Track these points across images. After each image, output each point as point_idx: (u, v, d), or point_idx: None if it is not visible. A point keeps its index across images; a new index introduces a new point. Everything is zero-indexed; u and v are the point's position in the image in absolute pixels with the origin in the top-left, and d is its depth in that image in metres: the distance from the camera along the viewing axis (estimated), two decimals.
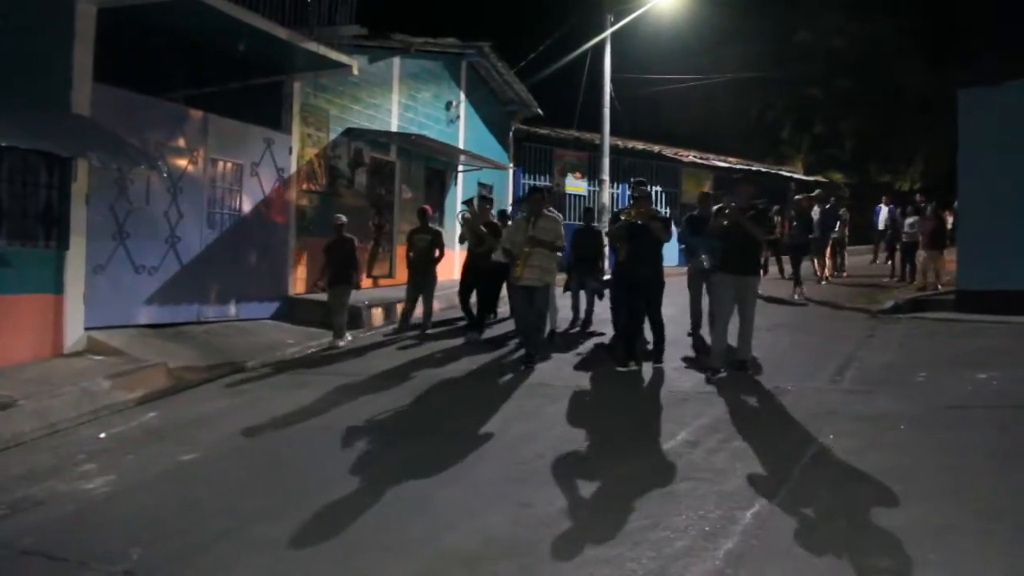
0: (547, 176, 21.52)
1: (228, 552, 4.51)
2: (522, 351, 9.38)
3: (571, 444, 6.26)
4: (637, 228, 8.59)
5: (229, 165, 11.54)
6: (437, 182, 17.27)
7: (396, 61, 15.43)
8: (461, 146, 17.52)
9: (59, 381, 7.78)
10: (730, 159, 27.38)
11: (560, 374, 8.72)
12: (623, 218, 8.94)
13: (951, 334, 10.16)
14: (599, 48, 19.16)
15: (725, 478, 5.30)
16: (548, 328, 10.12)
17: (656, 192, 23.61)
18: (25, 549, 4.59)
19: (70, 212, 8.89)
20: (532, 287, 8.97)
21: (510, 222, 11.34)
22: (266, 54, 11.32)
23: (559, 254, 9.34)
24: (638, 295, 8.77)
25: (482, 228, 11.07)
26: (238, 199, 11.71)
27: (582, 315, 11.53)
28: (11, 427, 6.68)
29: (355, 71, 12.73)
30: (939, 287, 14.14)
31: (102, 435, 6.86)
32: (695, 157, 25.73)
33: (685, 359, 9.13)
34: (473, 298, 11.54)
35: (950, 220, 15.88)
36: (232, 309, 11.47)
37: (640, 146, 23.94)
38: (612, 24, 19.11)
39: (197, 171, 10.94)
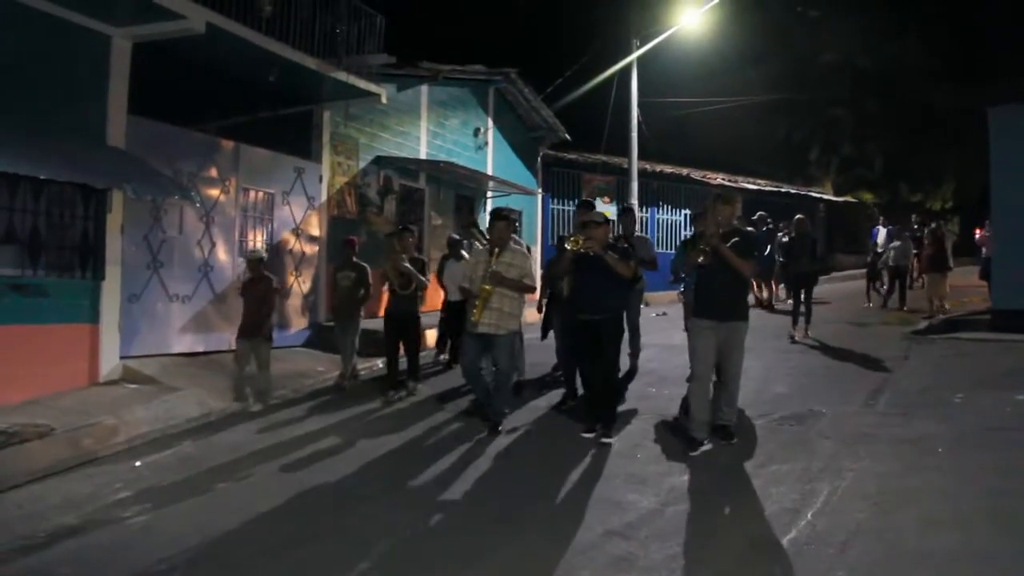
0: (576, 201, 21.55)
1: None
2: (469, 407, 8.16)
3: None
4: (587, 261, 6.91)
5: (260, 194, 11.68)
6: (466, 208, 17.34)
7: (424, 89, 15.57)
8: (489, 172, 17.60)
9: (95, 410, 7.86)
10: (759, 181, 27.27)
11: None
12: (568, 247, 6.93)
13: (987, 354, 10.02)
14: (625, 72, 19.22)
15: (761, 502, 5.25)
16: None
17: (686, 216, 23.58)
18: None
19: (106, 243, 9.02)
20: (490, 336, 7.36)
21: (466, 254, 10.01)
22: (296, 84, 11.48)
23: (526, 295, 7.83)
24: (587, 346, 7.20)
25: (406, 264, 9.14)
26: (269, 228, 11.83)
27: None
28: (49, 456, 6.75)
29: (384, 99, 12.88)
30: (942, 315, 13.26)
31: (137, 464, 6.91)
32: (724, 180, 25.65)
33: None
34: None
35: (985, 239, 14.93)
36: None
37: (668, 169, 23.91)
38: (637, 48, 19.18)
39: (229, 200, 11.08)
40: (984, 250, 14.83)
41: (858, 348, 10.90)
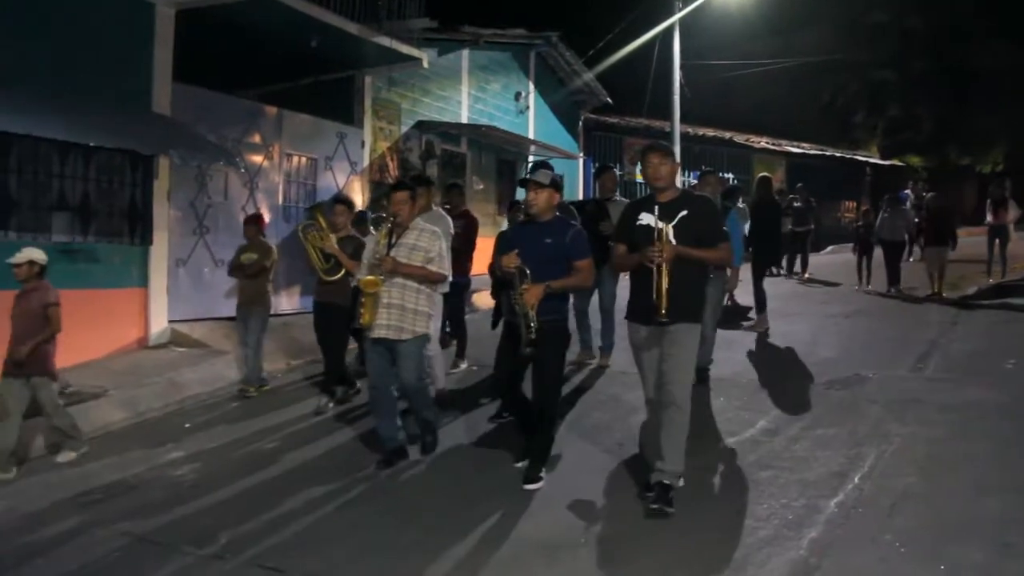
0: (618, 165, 21.41)
1: (313, 532, 4.62)
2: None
3: None
4: (525, 237, 5.37)
5: (303, 160, 11.74)
6: (508, 173, 17.31)
7: (465, 53, 15.50)
8: (531, 136, 17.52)
9: (146, 372, 8.04)
10: (803, 144, 26.86)
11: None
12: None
13: None
14: (668, 34, 18.96)
15: (807, 467, 5.23)
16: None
17: (728, 180, 23.28)
18: (121, 532, 4.76)
19: (153, 208, 9.14)
20: (391, 341, 5.61)
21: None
22: (338, 49, 11.46)
23: (440, 287, 6.25)
24: (515, 354, 5.09)
25: (333, 244, 7.17)
26: (312, 193, 11.89)
27: None
28: (103, 416, 6.95)
29: (425, 64, 12.82)
30: (942, 293, 11.82)
31: (187, 424, 7.06)
32: (767, 143, 25.32)
33: None
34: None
35: (1016, 208, 13.49)
36: (307, 302, 11.65)
37: (711, 133, 23.64)
38: (680, 9, 18.89)
39: (272, 166, 11.15)
40: None
41: (905, 314, 10.76)
